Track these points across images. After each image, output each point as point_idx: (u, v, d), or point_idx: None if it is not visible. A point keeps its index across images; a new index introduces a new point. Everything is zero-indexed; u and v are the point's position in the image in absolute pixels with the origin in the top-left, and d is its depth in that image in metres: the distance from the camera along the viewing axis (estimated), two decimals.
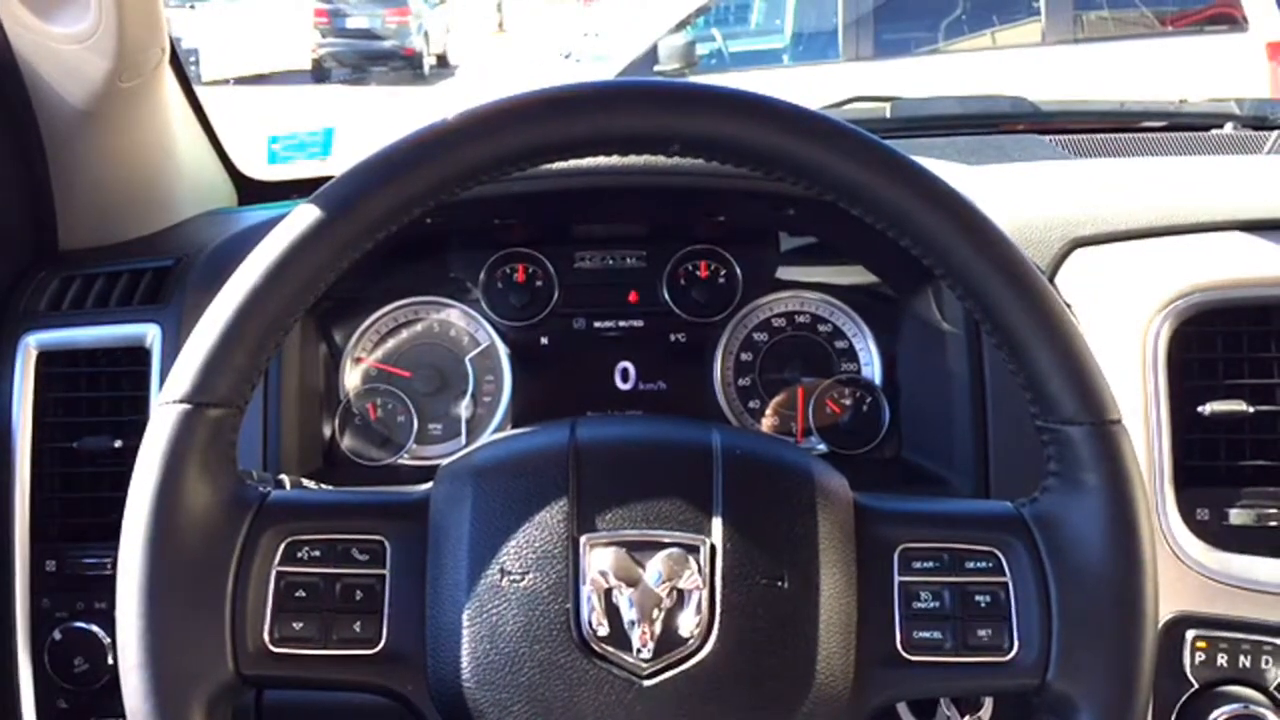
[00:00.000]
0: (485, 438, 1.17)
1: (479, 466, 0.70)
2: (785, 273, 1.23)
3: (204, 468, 0.64)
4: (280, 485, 0.82)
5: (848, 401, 1.17)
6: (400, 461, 1.15)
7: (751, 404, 1.19)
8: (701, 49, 6.54)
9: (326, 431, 1.15)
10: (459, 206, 1.00)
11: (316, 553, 0.67)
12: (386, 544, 0.68)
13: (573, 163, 0.98)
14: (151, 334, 1.02)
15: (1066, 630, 0.66)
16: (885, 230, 0.69)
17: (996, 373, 1.02)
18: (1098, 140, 1.57)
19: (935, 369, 1.09)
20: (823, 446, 1.18)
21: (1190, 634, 0.91)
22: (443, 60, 14.59)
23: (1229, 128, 1.63)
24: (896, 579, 0.69)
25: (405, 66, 13.60)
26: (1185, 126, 1.65)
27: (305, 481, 0.84)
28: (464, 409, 1.17)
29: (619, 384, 1.19)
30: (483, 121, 0.68)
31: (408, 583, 0.67)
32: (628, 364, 1.19)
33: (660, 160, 1.00)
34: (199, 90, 1.29)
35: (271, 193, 1.42)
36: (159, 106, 1.13)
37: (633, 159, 1.03)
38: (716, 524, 0.66)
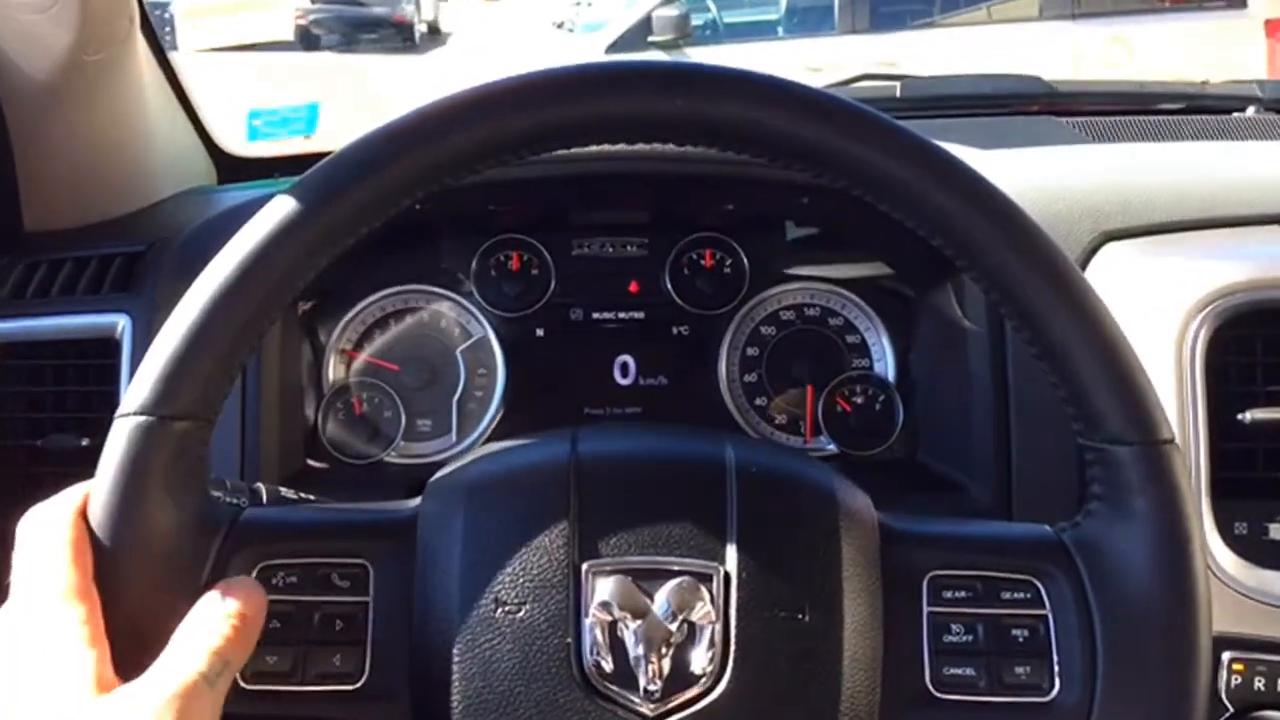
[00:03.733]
0: (477, 434, 1.13)
1: (471, 483, 0.64)
2: (794, 264, 1.18)
3: (168, 487, 0.58)
4: (256, 494, 0.76)
5: (859, 399, 1.13)
6: (388, 459, 1.11)
7: (758, 401, 1.15)
8: (696, 20, 6.47)
9: (310, 428, 1.10)
10: (449, 192, 0.94)
11: (293, 578, 0.62)
12: (370, 568, 0.62)
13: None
14: (121, 325, 0.96)
15: (1112, 669, 0.61)
16: (914, 226, 0.63)
17: (1021, 375, 0.97)
18: (1115, 123, 1.52)
19: (954, 368, 1.04)
20: (832, 446, 1.14)
21: (1226, 655, 0.86)
22: (434, 28, 14.43)
23: (1251, 111, 1.58)
24: (925, 610, 0.63)
25: (396, 35, 13.45)
26: (1206, 109, 1.60)
27: (284, 491, 0.79)
28: (455, 403, 1.13)
29: (618, 379, 1.14)
30: (478, 106, 0.61)
31: (393, 612, 0.62)
32: (627, 358, 1.14)
33: (663, 146, 0.95)
34: (175, 59, 1.22)
35: (253, 171, 1.36)
36: (130, 80, 1.06)
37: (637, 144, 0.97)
38: (731, 550, 0.60)
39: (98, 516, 0.58)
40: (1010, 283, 0.62)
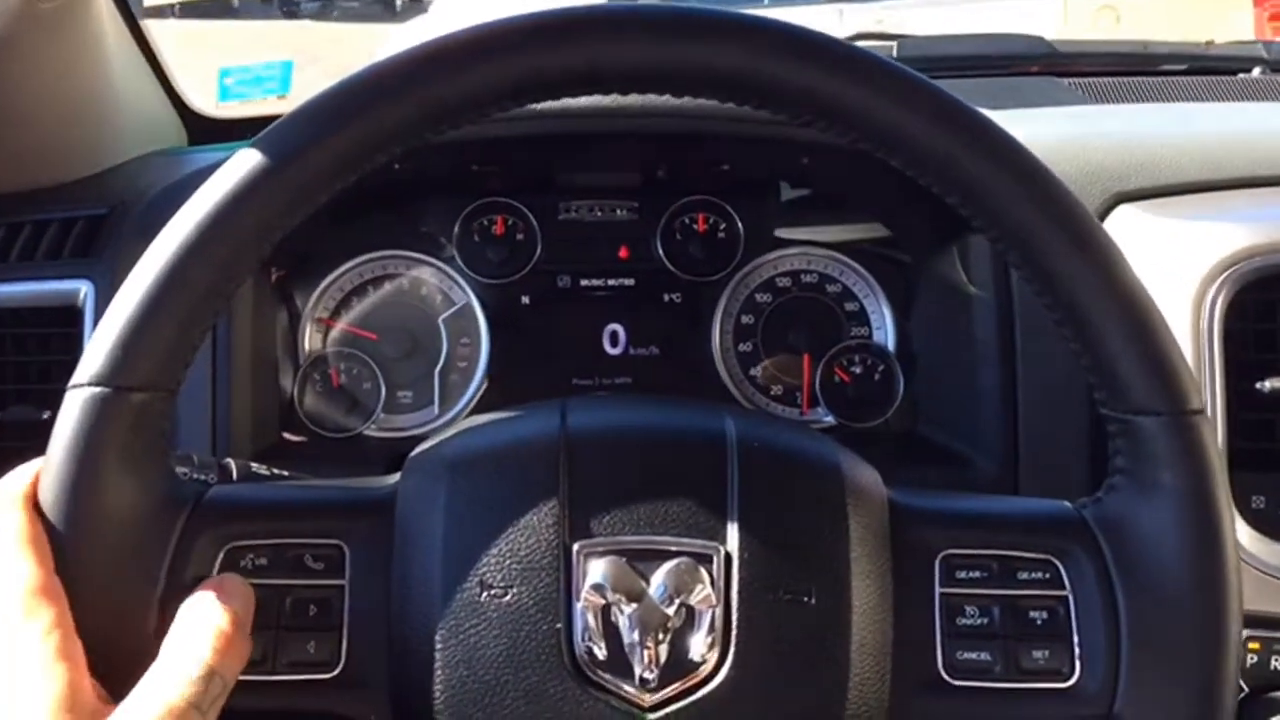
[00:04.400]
0: (461, 406, 1.10)
1: (453, 458, 0.60)
2: (790, 228, 1.15)
3: (126, 462, 0.54)
4: (225, 471, 0.72)
5: (858, 369, 1.10)
6: (367, 432, 1.08)
7: (752, 371, 1.12)
8: None
9: (285, 400, 1.07)
10: (430, 151, 0.90)
11: (262, 560, 0.58)
12: (345, 549, 0.59)
13: (559, 103, 0.90)
14: (83, 292, 0.92)
15: (1137, 653, 0.57)
16: (927, 183, 0.59)
17: (1029, 342, 0.94)
18: (1117, 84, 1.48)
19: (958, 335, 1.00)
20: (830, 418, 1.11)
21: (1242, 633, 0.83)
22: None
23: (1257, 72, 1.55)
24: (938, 591, 0.60)
25: (376, 1, 13.27)
26: (1210, 70, 1.56)
27: (255, 467, 0.74)
28: (437, 374, 1.09)
29: (607, 348, 1.11)
30: (458, 51, 0.57)
31: (370, 595, 0.58)
32: (617, 326, 1.11)
33: (658, 101, 0.89)
34: (147, 25, 1.17)
35: (225, 132, 1.31)
36: (89, 33, 1.01)
37: (628, 99, 0.92)
38: (732, 529, 0.57)
39: (48, 498, 0.54)
40: (1031, 242, 0.58)
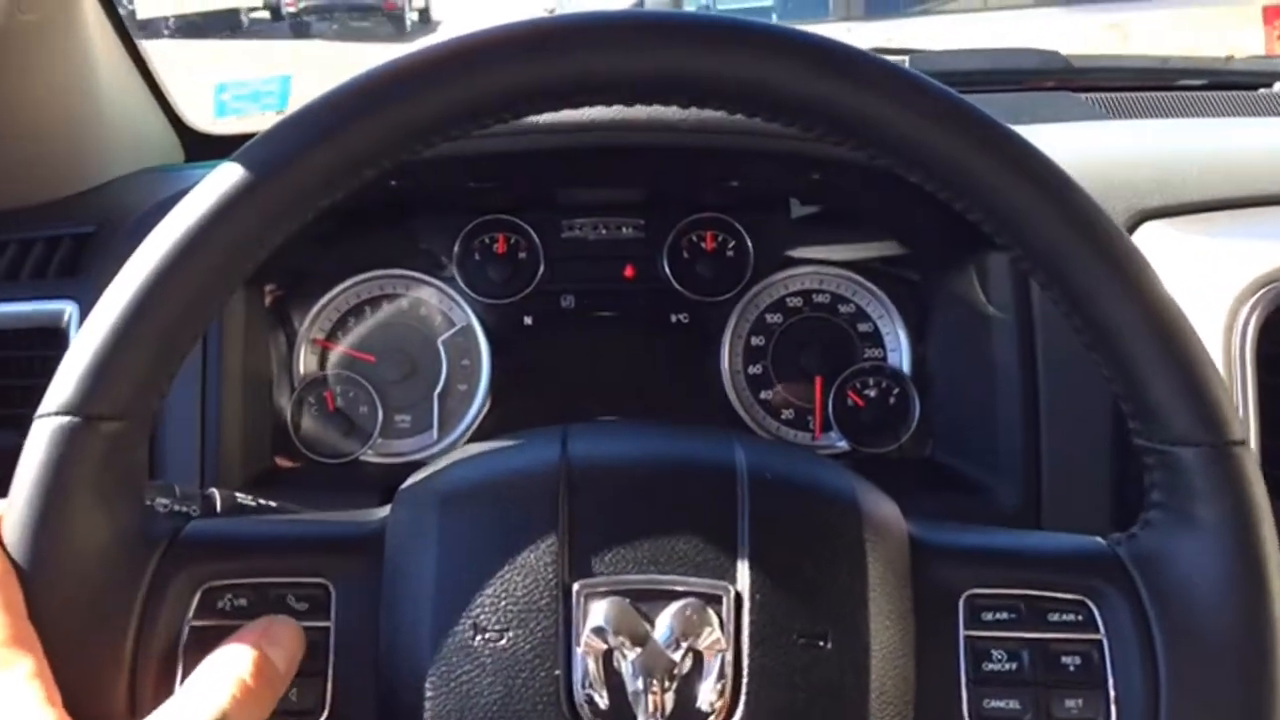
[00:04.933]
0: (461, 430, 1.07)
1: (446, 491, 0.57)
2: (800, 246, 1.12)
3: (96, 496, 0.51)
4: (209, 502, 0.69)
5: (872, 393, 1.07)
6: (364, 457, 1.05)
7: (763, 395, 1.09)
8: (689, 6, 6.42)
9: (279, 425, 1.04)
10: (428, 167, 0.90)
11: (242, 601, 0.55)
12: (331, 589, 0.56)
13: (561, 117, 0.89)
14: (67, 313, 0.89)
15: (1177, 702, 0.54)
16: (948, 198, 0.56)
17: (1052, 366, 0.91)
18: (1134, 99, 1.45)
19: (976, 358, 0.97)
20: (843, 443, 1.08)
21: None
22: (425, 15, 14.34)
23: (1277, 87, 1.51)
24: (962, 634, 0.56)
25: (386, 22, 13.36)
26: (1229, 85, 1.53)
27: (241, 497, 0.71)
28: (436, 397, 1.07)
29: (613, 371, 1.08)
30: (453, 59, 0.54)
31: (358, 639, 0.55)
32: (622, 348, 1.09)
33: (665, 114, 0.89)
34: (153, 45, 1.14)
35: (222, 148, 1.28)
36: (77, 45, 0.98)
37: (632, 112, 0.89)
38: (743, 568, 0.53)
39: (12, 538, 0.51)
40: (1061, 261, 0.55)
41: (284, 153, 0.53)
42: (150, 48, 1.19)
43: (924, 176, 0.56)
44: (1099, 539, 0.59)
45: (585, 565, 0.54)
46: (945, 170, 0.55)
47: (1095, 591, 0.57)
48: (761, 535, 0.55)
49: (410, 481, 0.61)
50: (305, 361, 1.07)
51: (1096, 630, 0.56)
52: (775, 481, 0.58)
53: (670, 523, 0.55)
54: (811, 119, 0.55)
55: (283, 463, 1.05)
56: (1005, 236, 0.56)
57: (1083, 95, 1.44)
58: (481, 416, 1.07)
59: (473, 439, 1.07)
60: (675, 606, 0.53)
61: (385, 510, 0.60)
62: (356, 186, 0.55)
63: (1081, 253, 0.54)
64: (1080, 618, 0.56)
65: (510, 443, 0.62)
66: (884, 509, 0.59)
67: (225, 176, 0.53)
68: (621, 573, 0.54)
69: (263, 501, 0.73)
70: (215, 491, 0.70)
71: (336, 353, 1.07)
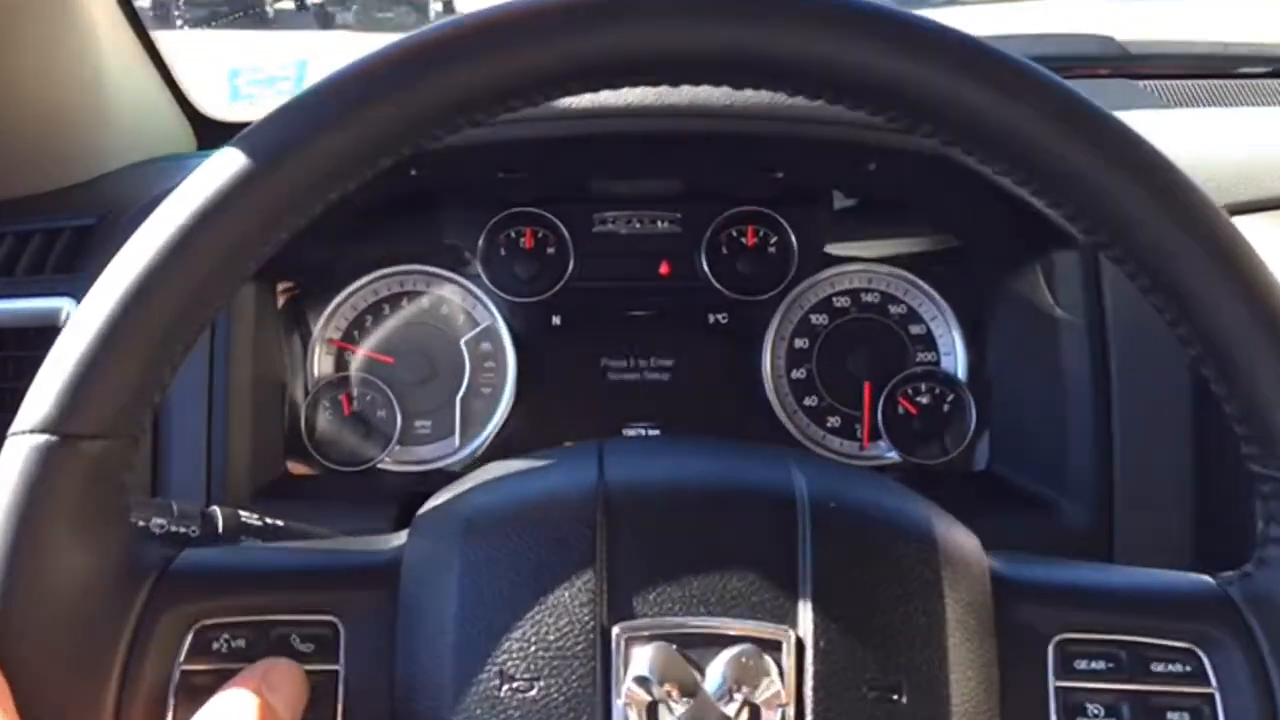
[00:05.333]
0: (484, 436, 1.02)
1: (470, 518, 0.52)
2: (848, 241, 1.06)
3: (75, 524, 0.46)
4: (210, 521, 0.64)
5: (925, 400, 1.02)
6: (382, 465, 1.01)
7: (807, 401, 1.04)
8: None
9: (292, 430, 1.00)
10: (451, 156, 0.84)
11: (240, 642, 0.49)
12: (340, 627, 0.50)
13: (596, 101, 0.83)
14: (65, 310, 0.85)
15: None
16: (1032, 189, 0.50)
17: (1126, 372, 0.86)
18: (1196, 87, 1.38)
19: (1041, 364, 0.91)
20: (893, 454, 1.03)
21: None
22: (449, 5, 14.33)
23: None
24: (1053, 684, 0.51)
25: (411, 12, 13.37)
26: None
27: (245, 516, 0.66)
28: (458, 401, 1.03)
29: (647, 374, 1.04)
30: (479, 33, 0.48)
31: (369, 684, 0.50)
32: (657, 351, 1.04)
33: (708, 99, 0.84)
34: (172, 35, 1.09)
35: (235, 135, 1.22)
36: (78, 27, 0.93)
37: (670, 97, 0.84)
38: (805, 610, 0.48)
39: None
40: (1170, 264, 0.49)
41: (288, 139, 0.48)
42: (169, 38, 1.14)
43: (1009, 166, 0.50)
44: (1208, 578, 0.53)
45: (626, 606, 0.48)
46: (1038, 159, 0.49)
47: (1205, 638, 0.51)
48: (826, 572, 0.49)
49: (429, 506, 0.55)
50: (320, 363, 1.03)
51: (1207, 682, 0.50)
52: (840, 510, 0.52)
53: (722, 557, 0.49)
54: (881, 100, 0.49)
55: (296, 470, 1.00)
56: (1102, 234, 0.50)
57: (1140, 83, 1.38)
58: (505, 422, 1.03)
59: (496, 445, 1.02)
60: (729, 654, 0.47)
61: (401, 537, 0.54)
62: (371, 177, 0.49)
63: (1196, 256, 0.48)
64: (1188, 668, 0.50)
65: (540, 462, 0.57)
66: (962, 541, 0.54)
67: (222, 165, 0.47)
68: (667, 614, 0.48)
69: (269, 520, 0.67)
70: (217, 509, 0.65)
71: (353, 354, 1.03)
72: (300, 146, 0.48)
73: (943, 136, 0.50)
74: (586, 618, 0.48)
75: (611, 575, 0.49)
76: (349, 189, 0.49)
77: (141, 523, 0.61)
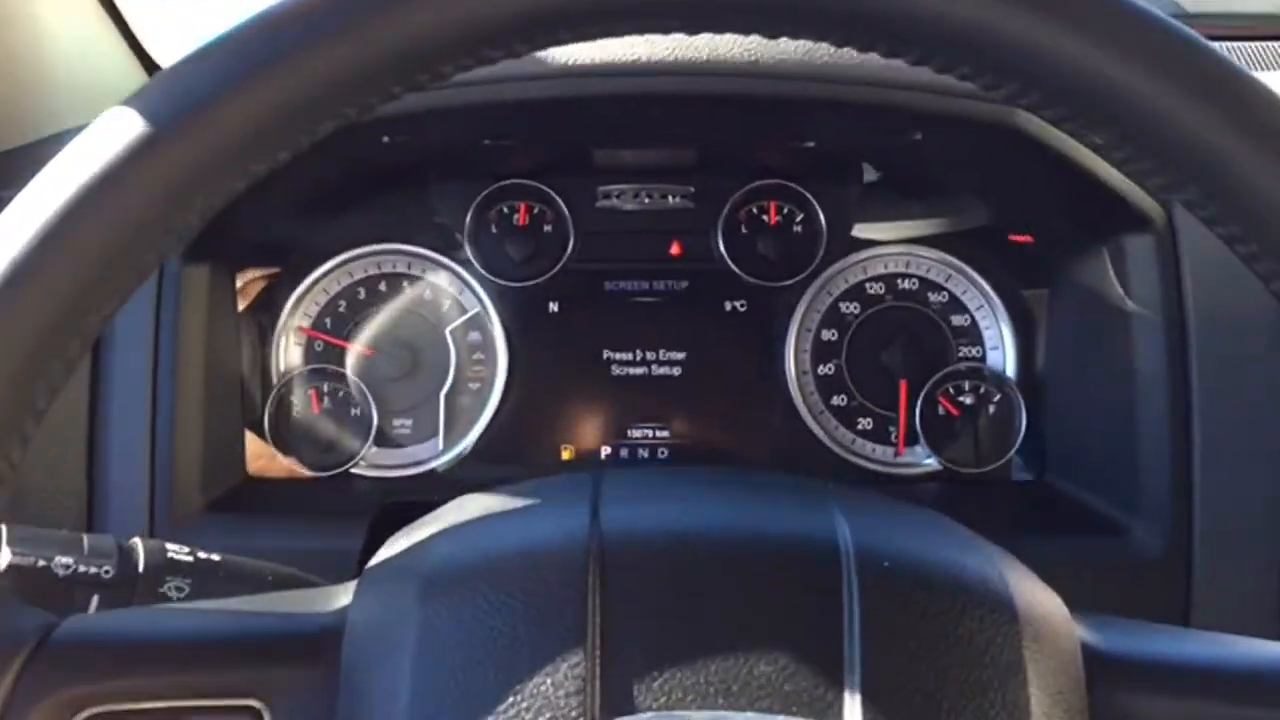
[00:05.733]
0: (471, 438, 0.95)
1: (430, 576, 0.43)
2: (883, 220, 0.98)
3: None
4: (128, 558, 0.55)
5: (968, 400, 0.95)
6: (356, 470, 0.94)
7: (835, 400, 0.97)
8: None
9: (251, 432, 0.93)
10: (430, 120, 0.77)
11: None
12: (266, 714, 0.42)
13: (598, 56, 0.74)
14: None
15: None
16: (1148, 172, 0.39)
17: (1209, 376, 0.78)
18: (1263, 49, 1.28)
19: (1107, 363, 0.84)
20: (931, 461, 0.95)
21: None
22: None
23: None
24: None
25: None
26: None
27: (174, 550, 0.56)
28: (442, 398, 0.95)
29: (654, 370, 0.96)
30: None
31: None
32: (667, 342, 0.96)
33: (728, 55, 0.75)
34: None
35: None
36: None
37: (689, 51, 0.76)
38: (852, 704, 0.39)
39: None
40: None
41: (197, 97, 0.37)
42: None
43: (1104, 129, 0.39)
44: None
45: (624, 694, 0.39)
46: (1141, 119, 0.38)
47: None
48: (879, 653, 0.40)
49: (380, 558, 0.46)
50: (286, 354, 0.95)
51: None
52: (897, 570, 0.42)
53: (747, 633, 0.40)
54: (972, 57, 0.39)
55: (258, 476, 0.92)
56: (1236, 224, 0.39)
57: None
58: (496, 422, 0.95)
59: (484, 447, 0.94)
60: None
61: (346, 593, 0.44)
62: (306, 145, 0.39)
63: None
64: None
65: (519, 501, 0.47)
66: (1048, 608, 0.44)
67: (108, 132, 0.37)
68: (677, 706, 0.39)
69: (203, 555, 0.58)
70: (138, 542, 0.58)
71: (322, 343, 0.96)
72: (211, 107, 0.37)
73: (1033, 98, 0.39)
74: (574, 710, 0.38)
75: (606, 655, 0.39)
76: (278, 159, 0.39)
77: (41, 563, 0.52)
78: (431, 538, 0.45)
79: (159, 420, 0.80)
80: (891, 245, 0.96)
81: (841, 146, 0.90)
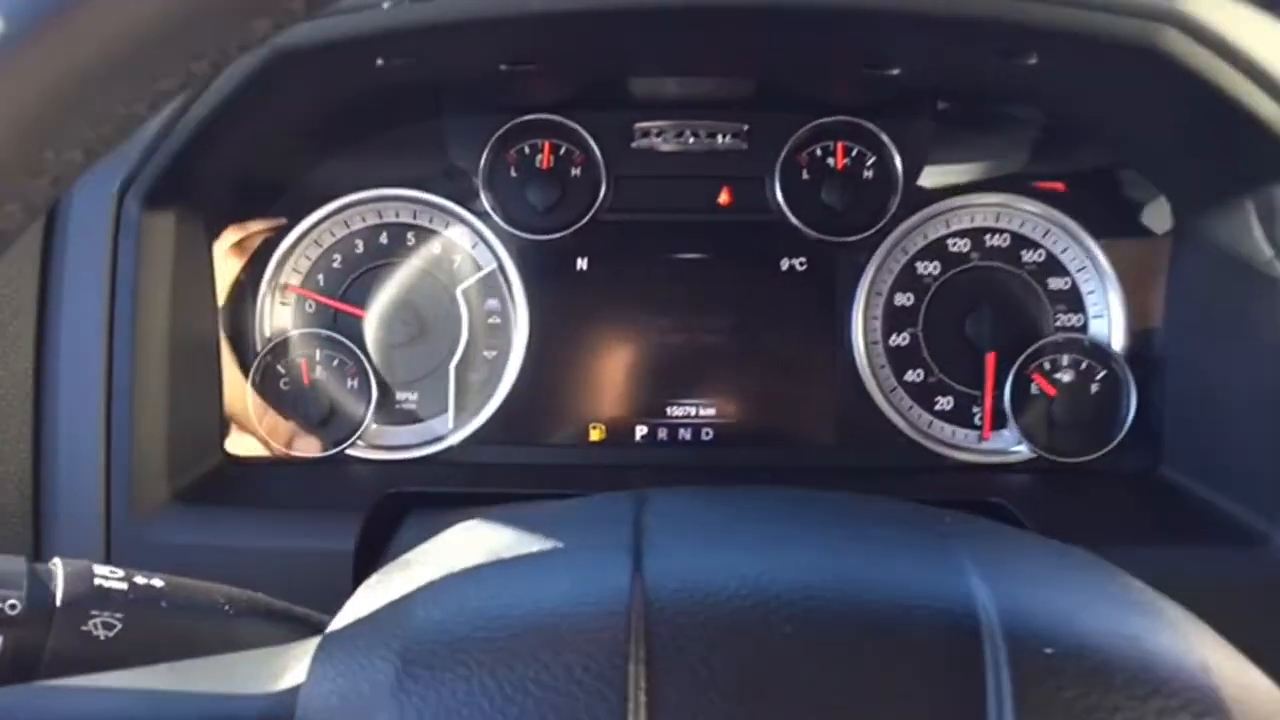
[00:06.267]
0: (486, 417, 0.86)
1: (410, 645, 0.33)
2: (968, 163, 0.88)
3: None
4: (41, 587, 0.45)
5: (1067, 376, 0.85)
6: (352, 451, 0.85)
7: (910, 376, 0.87)
8: None
9: (232, 405, 0.83)
10: (433, 38, 0.68)
11: None
12: None
13: None
14: None
15: None
16: None
17: None
18: None
19: (1245, 335, 0.74)
20: (1022, 448, 0.85)
21: None
22: None
23: None
24: None
25: None
26: None
27: (103, 574, 0.47)
28: (452, 370, 0.86)
29: (698, 338, 0.87)
30: None
31: None
32: (713, 306, 0.87)
33: None
34: None
35: None
36: None
37: None
38: None
39: None
40: None
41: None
42: None
43: None
44: None
45: None
46: None
47: None
48: None
49: (345, 619, 0.34)
50: (272, 316, 0.86)
51: None
52: (1064, 660, 0.30)
53: None
54: None
55: (236, 455, 0.83)
56: None
57: None
58: (514, 398, 0.86)
59: (498, 427, 0.85)
60: None
61: (300, 665, 0.33)
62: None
63: None
64: None
65: (534, 538, 0.36)
66: (1264, 702, 0.32)
67: None
68: None
69: (140, 579, 0.47)
70: (58, 564, 0.47)
71: (315, 303, 0.86)
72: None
73: None
74: None
75: None
76: (196, 83, 0.28)
77: None
78: (413, 594, 0.34)
79: (115, 393, 0.71)
80: (978, 194, 0.85)
81: (930, 75, 0.78)
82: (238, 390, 0.82)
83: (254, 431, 0.82)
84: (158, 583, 0.49)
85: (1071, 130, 0.82)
